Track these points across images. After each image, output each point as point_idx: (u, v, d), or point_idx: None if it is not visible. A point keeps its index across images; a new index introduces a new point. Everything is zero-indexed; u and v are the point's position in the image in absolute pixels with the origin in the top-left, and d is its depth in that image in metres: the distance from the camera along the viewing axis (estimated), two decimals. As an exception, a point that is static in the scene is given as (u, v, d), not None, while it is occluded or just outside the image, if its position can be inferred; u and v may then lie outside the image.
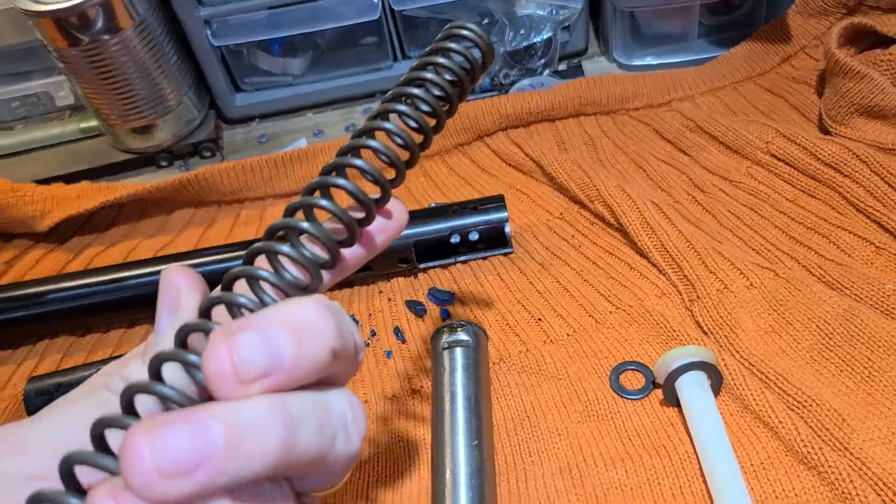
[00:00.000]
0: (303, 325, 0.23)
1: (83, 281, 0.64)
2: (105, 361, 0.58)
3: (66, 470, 0.22)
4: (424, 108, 0.33)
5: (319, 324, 0.23)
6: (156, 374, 0.24)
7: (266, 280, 0.25)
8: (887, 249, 0.55)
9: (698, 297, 0.55)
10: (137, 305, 0.64)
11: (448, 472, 0.47)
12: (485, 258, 0.63)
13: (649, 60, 0.77)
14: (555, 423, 0.51)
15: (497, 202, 0.62)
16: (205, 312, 0.26)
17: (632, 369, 0.53)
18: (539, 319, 0.58)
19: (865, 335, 0.49)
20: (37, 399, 0.57)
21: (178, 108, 0.77)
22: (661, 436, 0.49)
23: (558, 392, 0.53)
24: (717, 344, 0.52)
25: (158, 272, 0.63)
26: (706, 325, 0.54)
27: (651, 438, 0.49)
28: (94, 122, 0.81)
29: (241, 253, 0.63)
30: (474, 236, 0.63)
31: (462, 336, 0.53)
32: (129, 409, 0.23)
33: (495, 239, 0.63)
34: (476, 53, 0.35)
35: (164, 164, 0.79)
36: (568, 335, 0.56)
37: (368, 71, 0.80)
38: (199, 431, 0.20)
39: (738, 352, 0.51)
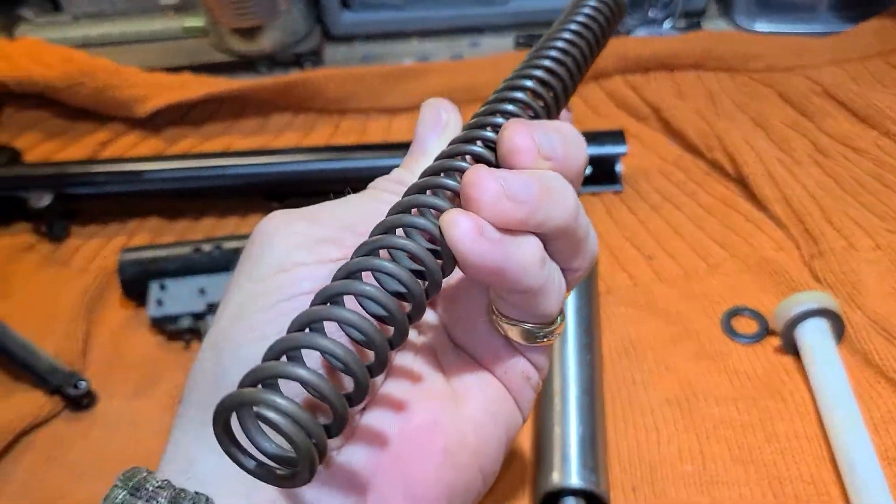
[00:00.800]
0: (567, 134, 0.26)
1: (183, 164, 0.63)
2: (202, 241, 0.57)
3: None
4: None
5: (578, 138, 0.27)
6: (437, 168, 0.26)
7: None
8: None
9: (820, 253, 0.53)
10: (234, 194, 0.64)
11: (557, 382, 0.46)
12: (594, 194, 0.62)
13: (772, 28, 0.75)
14: (662, 357, 0.50)
15: (616, 136, 0.60)
16: (472, 127, 0.27)
17: (745, 315, 0.52)
18: (649, 258, 0.56)
19: None
20: (130, 268, 0.56)
21: (287, 15, 0.76)
22: (774, 380, 0.48)
23: (667, 328, 0.51)
24: (839, 300, 0.51)
25: (258, 165, 0.63)
26: (827, 280, 0.52)
27: (764, 382, 0.48)
28: (197, 23, 0.80)
29: (346, 154, 0.63)
30: (588, 170, 0.61)
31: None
32: (441, 171, 0.26)
33: (605, 175, 0.61)
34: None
35: (263, 70, 0.78)
36: (679, 276, 0.55)
37: (481, 4, 0.78)
38: (522, 178, 0.24)
39: (860, 308, 0.50)
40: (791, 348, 0.48)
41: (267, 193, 0.64)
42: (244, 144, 0.70)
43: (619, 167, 0.62)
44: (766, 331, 0.50)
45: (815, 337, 0.47)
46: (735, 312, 0.52)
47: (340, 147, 0.66)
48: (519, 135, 0.25)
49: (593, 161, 0.60)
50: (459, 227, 0.23)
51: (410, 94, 0.70)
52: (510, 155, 0.25)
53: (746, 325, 0.51)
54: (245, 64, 0.79)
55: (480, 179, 0.23)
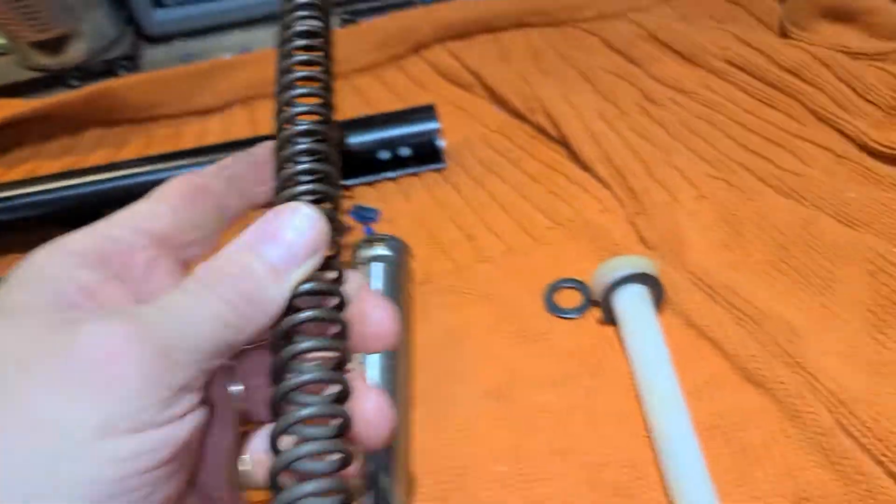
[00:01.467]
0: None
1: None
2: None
3: None
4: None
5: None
6: None
7: None
8: (849, 158, 0.50)
9: (644, 210, 0.50)
10: (33, 226, 0.58)
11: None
12: (416, 174, 0.57)
13: (603, -28, 0.71)
14: (483, 345, 0.46)
15: (426, 112, 0.56)
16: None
17: (568, 287, 0.48)
18: (471, 237, 0.52)
19: (823, 244, 0.45)
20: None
21: (92, 21, 0.71)
22: (597, 355, 0.44)
23: (488, 313, 0.48)
24: (662, 259, 0.48)
25: (55, 190, 0.58)
26: (651, 239, 0.49)
27: (587, 359, 0.44)
28: None
29: (162, 166, 0.58)
30: (405, 151, 0.57)
31: (381, 250, 0.48)
32: None
33: (427, 153, 0.57)
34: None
35: (75, 83, 0.73)
36: (502, 253, 0.51)
37: (301, -16, 0.73)
38: None
39: (684, 266, 0.46)
40: (611, 318, 0.45)
41: (73, 220, 0.59)
42: (55, 168, 0.65)
43: (441, 143, 0.58)
44: (589, 302, 0.47)
45: (630, 304, 0.44)
46: (558, 286, 0.48)
47: (152, 157, 0.61)
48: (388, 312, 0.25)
49: (411, 143, 0.56)
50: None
51: (222, 92, 0.65)
52: (388, 338, 0.25)
53: (570, 298, 0.48)
54: (55, 79, 0.73)
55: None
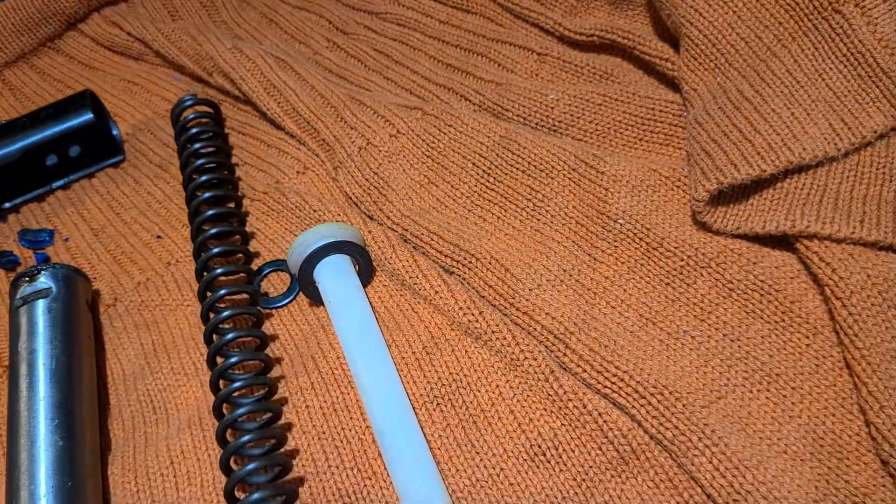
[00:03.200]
0: None
1: None
2: None
3: None
4: None
5: None
6: None
7: None
8: (550, 55, 0.46)
9: (341, 162, 0.44)
10: None
11: (24, 468, 0.35)
12: (90, 176, 0.49)
13: None
14: (186, 359, 0.40)
15: (79, 101, 0.47)
16: None
17: (274, 269, 0.42)
18: (159, 237, 0.45)
19: (525, 160, 0.40)
20: None
21: None
22: (311, 345, 0.39)
23: (187, 321, 0.41)
24: (365, 214, 0.42)
25: None
26: (354, 193, 0.43)
27: (300, 351, 0.39)
28: None
29: None
30: (75, 151, 0.48)
31: (43, 283, 0.40)
32: None
33: (101, 147, 0.49)
34: None
35: None
36: (196, 248, 0.44)
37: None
38: None
39: (389, 217, 0.41)
40: (318, 297, 0.40)
41: None
42: None
43: (116, 130, 0.50)
44: (296, 283, 0.41)
45: (330, 282, 0.38)
46: (263, 271, 0.42)
47: None
48: None
49: (81, 141, 0.47)
50: None
51: None
52: None
53: (279, 282, 0.42)
54: None
55: None
